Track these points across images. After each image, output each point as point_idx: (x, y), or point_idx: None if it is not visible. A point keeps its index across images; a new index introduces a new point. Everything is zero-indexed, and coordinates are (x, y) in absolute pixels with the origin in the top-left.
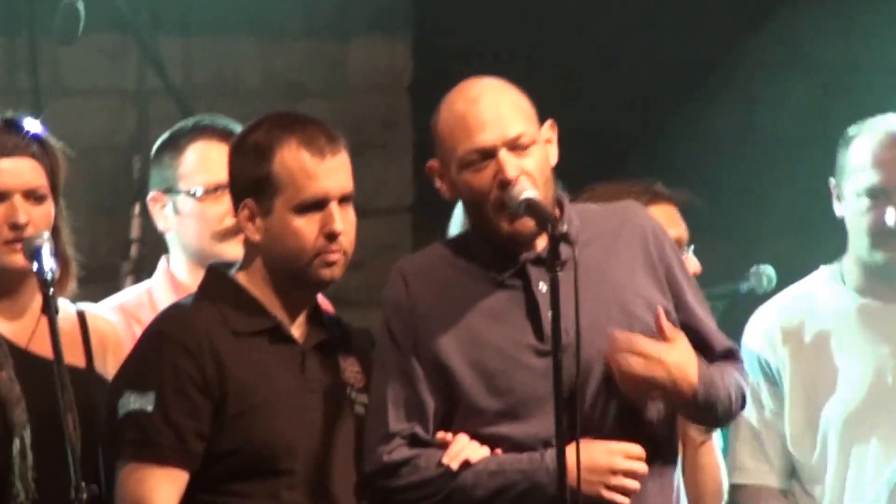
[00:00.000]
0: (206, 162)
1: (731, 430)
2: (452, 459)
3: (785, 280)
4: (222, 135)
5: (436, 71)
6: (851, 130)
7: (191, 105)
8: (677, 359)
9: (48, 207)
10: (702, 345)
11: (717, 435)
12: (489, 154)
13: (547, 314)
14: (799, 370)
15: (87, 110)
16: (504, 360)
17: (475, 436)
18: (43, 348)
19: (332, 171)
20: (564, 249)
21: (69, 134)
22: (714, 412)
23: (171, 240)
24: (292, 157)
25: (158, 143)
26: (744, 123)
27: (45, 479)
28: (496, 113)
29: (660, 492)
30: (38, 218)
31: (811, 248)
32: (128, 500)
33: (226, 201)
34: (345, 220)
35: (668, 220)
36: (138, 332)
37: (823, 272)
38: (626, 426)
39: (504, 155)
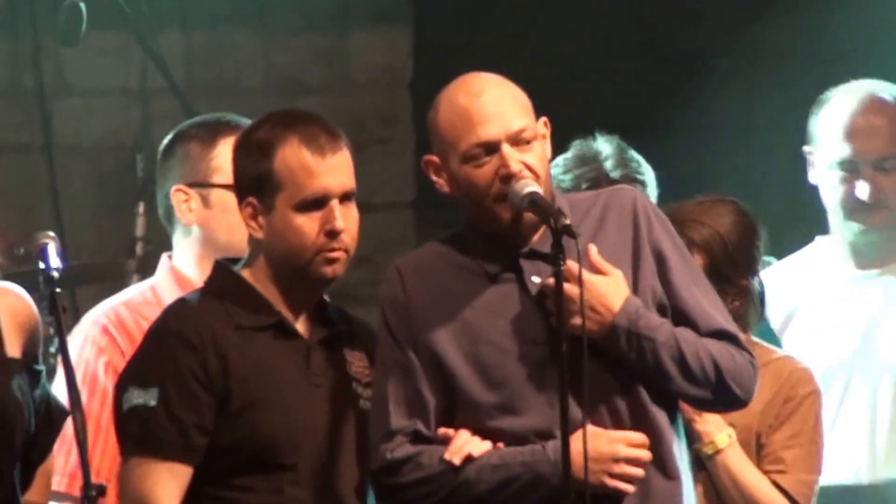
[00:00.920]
0: None
1: None
2: (454, 455)
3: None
4: None
5: (437, 67)
6: (824, 96)
7: (193, 103)
8: (602, 287)
9: None
10: (686, 325)
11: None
12: (492, 148)
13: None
14: (790, 339)
15: (90, 110)
16: (500, 353)
17: (477, 430)
18: None
19: (333, 169)
20: (565, 241)
21: (73, 134)
22: (654, 363)
23: (188, 236)
24: (293, 155)
25: (172, 137)
26: (744, 115)
27: None
28: (499, 107)
29: (663, 479)
30: None
31: (812, 236)
32: (131, 495)
33: None
34: (346, 218)
35: None
36: (145, 327)
37: (818, 242)
38: (626, 414)
39: (507, 149)
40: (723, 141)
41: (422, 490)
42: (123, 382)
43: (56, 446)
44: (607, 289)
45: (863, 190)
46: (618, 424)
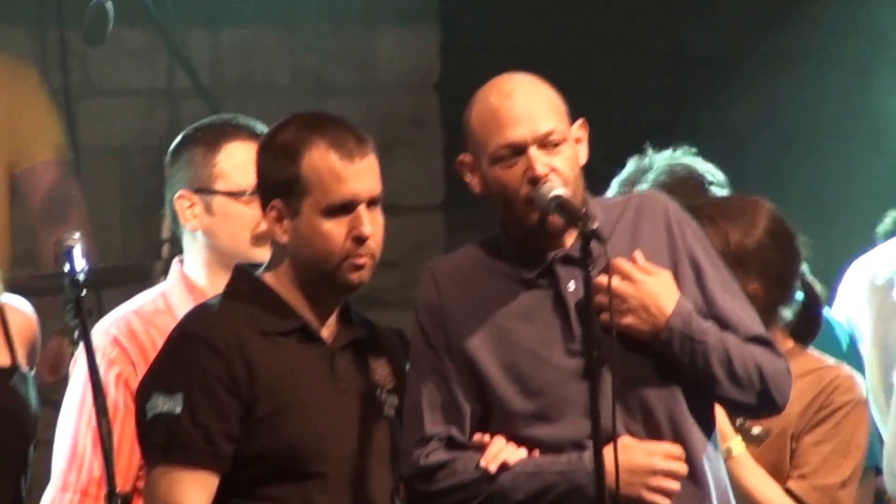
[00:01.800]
0: (249, 163)
1: None
2: (490, 462)
3: (811, 272)
4: (258, 136)
5: (464, 67)
6: None
7: (220, 103)
8: (654, 286)
9: None
10: (725, 330)
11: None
12: (520, 149)
13: (575, 313)
14: (877, 331)
15: (117, 110)
16: (534, 360)
17: (512, 438)
18: None
19: (361, 174)
20: (595, 247)
21: (99, 134)
22: (704, 367)
23: (195, 241)
24: (321, 159)
25: (180, 140)
26: (767, 116)
27: None
28: (528, 108)
29: (696, 493)
30: None
31: (836, 240)
32: None
33: None
34: (373, 223)
35: None
36: (156, 337)
37: None
38: (665, 424)
39: (534, 152)
40: (746, 143)
41: (456, 497)
42: (146, 389)
43: (65, 464)
44: (660, 289)
45: None
46: (655, 435)
